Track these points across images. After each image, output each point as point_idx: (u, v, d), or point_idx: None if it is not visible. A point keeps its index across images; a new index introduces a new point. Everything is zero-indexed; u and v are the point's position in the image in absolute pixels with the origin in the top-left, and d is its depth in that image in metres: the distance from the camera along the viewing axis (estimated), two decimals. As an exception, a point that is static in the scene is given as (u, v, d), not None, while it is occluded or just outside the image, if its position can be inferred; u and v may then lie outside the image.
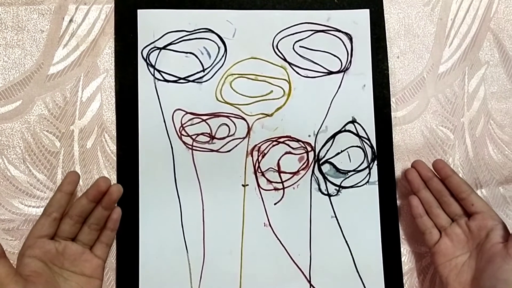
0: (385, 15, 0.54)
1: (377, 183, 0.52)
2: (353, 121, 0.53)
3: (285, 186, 0.52)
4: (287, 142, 0.52)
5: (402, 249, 0.52)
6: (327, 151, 0.52)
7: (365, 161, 0.52)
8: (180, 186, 0.50)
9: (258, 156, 0.52)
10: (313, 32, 0.53)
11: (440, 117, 0.54)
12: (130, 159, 0.50)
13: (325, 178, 0.52)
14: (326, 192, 0.52)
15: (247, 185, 0.51)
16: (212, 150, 0.51)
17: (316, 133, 0.52)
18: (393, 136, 0.53)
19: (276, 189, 0.51)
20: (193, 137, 0.51)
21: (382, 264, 0.51)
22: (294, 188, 0.52)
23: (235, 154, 0.51)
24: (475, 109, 0.55)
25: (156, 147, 0.51)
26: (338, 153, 0.52)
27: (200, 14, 0.52)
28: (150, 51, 0.52)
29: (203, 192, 0.51)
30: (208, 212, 0.51)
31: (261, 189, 0.51)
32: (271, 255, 0.50)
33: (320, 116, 0.52)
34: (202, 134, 0.51)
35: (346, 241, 0.51)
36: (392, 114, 0.53)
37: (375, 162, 0.52)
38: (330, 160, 0.52)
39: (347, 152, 0.52)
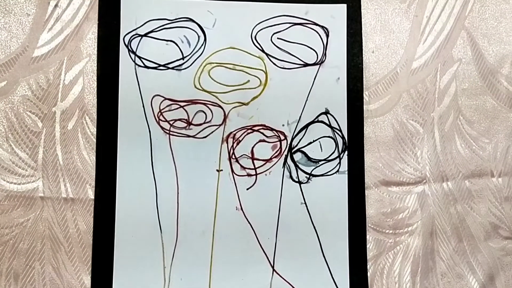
0: (362, 10, 0.56)
1: (346, 172, 0.54)
2: (326, 112, 0.54)
3: (257, 172, 0.54)
4: (261, 130, 0.54)
5: (367, 237, 0.54)
6: (300, 140, 0.54)
7: (336, 151, 0.54)
8: (156, 169, 0.53)
9: (233, 143, 0.54)
10: (291, 24, 0.55)
11: (411, 111, 0.56)
12: (109, 141, 0.52)
13: (296, 166, 0.54)
14: (297, 180, 0.54)
15: (221, 170, 0.53)
16: (188, 136, 0.53)
17: (290, 122, 0.54)
18: (364, 128, 0.55)
19: (249, 175, 0.53)
20: (171, 122, 0.53)
21: (347, 251, 0.53)
22: (266, 174, 0.54)
23: (210, 140, 0.53)
24: (446, 105, 0.56)
25: (135, 131, 0.53)
26: (310, 143, 0.54)
27: (182, 3, 0.54)
28: (131, 38, 0.53)
29: (178, 176, 0.53)
30: (182, 194, 0.53)
31: (234, 175, 0.53)
32: (241, 238, 0.53)
33: (294, 106, 0.54)
34: (179, 120, 0.53)
35: (314, 227, 0.53)
36: (365, 107, 0.55)
37: (346, 152, 0.54)
38: (302, 149, 0.54)
39: (319, 142, 0.54)
